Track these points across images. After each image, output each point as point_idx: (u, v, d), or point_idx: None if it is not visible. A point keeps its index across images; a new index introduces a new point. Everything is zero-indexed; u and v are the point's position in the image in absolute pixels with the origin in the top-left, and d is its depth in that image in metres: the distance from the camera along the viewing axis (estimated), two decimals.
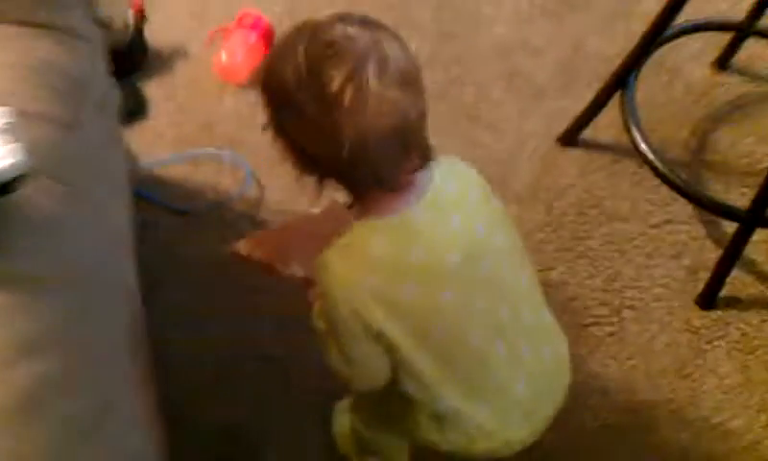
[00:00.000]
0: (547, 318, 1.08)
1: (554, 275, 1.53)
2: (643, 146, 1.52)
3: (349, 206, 0.94)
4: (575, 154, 1.68)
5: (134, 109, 1.62)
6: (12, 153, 0.56)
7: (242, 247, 1.19)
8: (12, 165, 0.55)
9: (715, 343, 1.47)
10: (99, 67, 0.88)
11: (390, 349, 0.92)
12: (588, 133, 1.68)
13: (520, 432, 1.01)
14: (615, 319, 1.49)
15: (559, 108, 1.73)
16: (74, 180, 0.66)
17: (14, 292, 0.55)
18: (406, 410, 0.98)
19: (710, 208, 1.53)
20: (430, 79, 1.73)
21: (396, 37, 0.85)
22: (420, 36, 1.83)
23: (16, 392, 0.50)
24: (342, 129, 0.79)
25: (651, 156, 1.51)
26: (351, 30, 0.82)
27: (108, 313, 0.67)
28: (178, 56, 1.76)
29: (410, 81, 0.84)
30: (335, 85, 0.78)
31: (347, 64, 0.79)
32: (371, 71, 0.80)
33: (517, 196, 1.62)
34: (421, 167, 0.89)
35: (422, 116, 0.87)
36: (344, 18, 0.84)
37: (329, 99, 0.79)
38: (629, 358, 1.45)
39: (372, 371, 0.96)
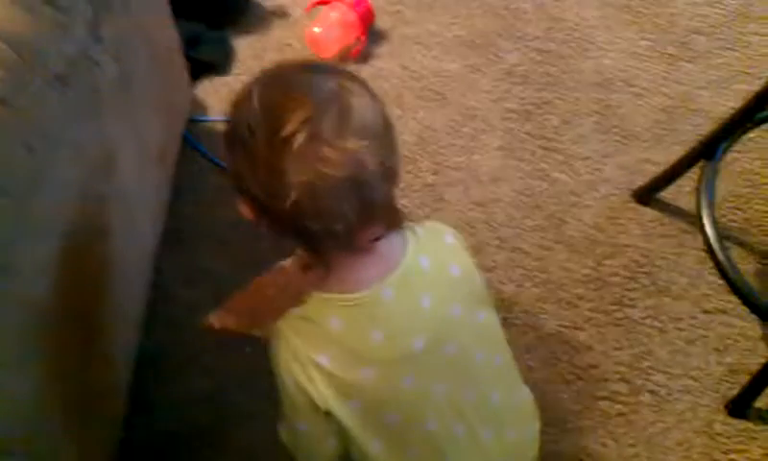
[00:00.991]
0: (521, 397, 1.03)
1: (582, 335, 1.46)
2: (708, 227, 1.41)
3: (305, 268, 0.88)
4: (645, 213, 1.58)
5: (219, 62, 1.66)
6: None
7: (214, 319, 1.16)
8: None
9: (732, 456, 1.37)
10: (67, 32, 0.85)
11: (340, 428, 0.89)
12: (667, 195, 1.58)
13: None
14: (632, 400, 1.40)
15: (644, 159, 1.62)
16: (11, 184, 0.67)
17: None
18: None
19: (765, 317, 1.40)
20: (518, 96, 1.70)
21: (367, 91, 0.81)
22: (520, 51, 1.76)
23: None
24: (288, 175, 0.76)
25: (713, 240, 1.40)
26: (316, 78, 0.80)
27: None
28: (275, 18, 1.78)
29: (374, 135, 0.79)
30: (288, 129, 0.75)
31: (304, 110, 0.76)
32: (328, 119, 0.76)
33: (569, 242, 1.54)
34: (387, 233, 0.85)
35: (389, 175, 0.82)
36: (310, 67, 0.82)
37: (279, 142, 0.76)
38: (632, 445, 1.36)
39: (316, 448, 0.94)
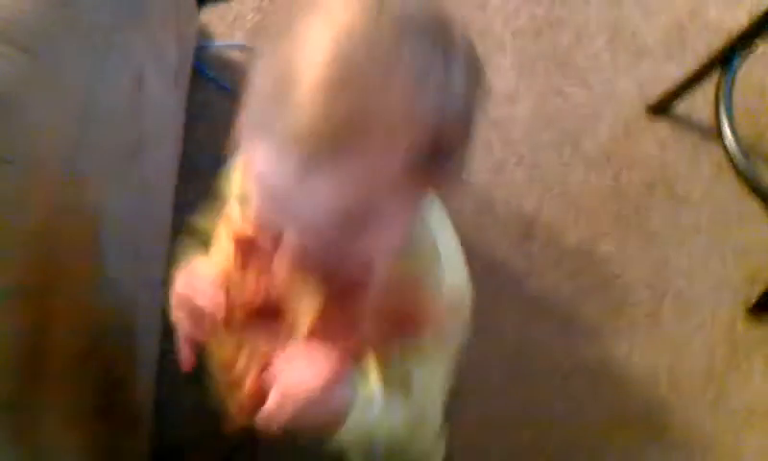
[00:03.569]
0: None
1: (604, 246, 1.47)
2: (728, 134, 1.42)
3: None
4: (662, 125, 1.59)
5: None
6: None
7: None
8: None
9: (754, 357, 1.40)
10: None
11: None
12: (682, 108, 1.58)
13: None
14: (656, 305, 1.43)
15: (658, 73, 1.62)
16: (36, 45, 0.65)
17: None
18: None
19: None
20: (529, 14, 1.69)
21: None
22: None
23: None
24: None
25: (733, 146, 1.41)
26: None
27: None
28: None
29: None
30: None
31: None
32: None
33: (587, 156, 1.55)
34: None
35: None
36: None
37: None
38: (657, 348, 1.39)
39: None
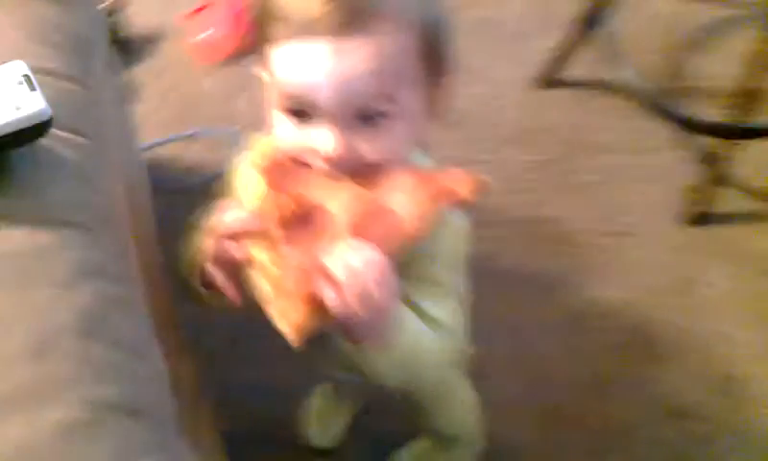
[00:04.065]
0: None
1: (546, 210, 1.57)
2: (619, 70, 1.56)
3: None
4: (556, 95, 1.72)
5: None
6: (33, 101, 0.58)
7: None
8: (36, 112, 0.57)
9: (711, 257, 1.51)
10: (103, 31, 0.90)
11: None
12: (568, 73, 1.72)
13: None
14: (612, 244, 1.53)
15: (535, 50, 1.76)
16: (91, 132, 0.68)
17: (50, 233, 0.58)
18: None
19: (692, 127, 1.57)
20: None
21: None
22: None
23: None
24: None
25: (627, 78, 1.55)
26: None
27: (134, 265, 0.69)
28: (157, 40, 1.78)
29: None
30: None
31: None
32: None
33: (505, 138, 1.65)
34: None
35: None
36: None
37: None
38: (626, 280, 1.48)
39: None
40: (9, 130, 0.57)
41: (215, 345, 1.38)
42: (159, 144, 1.61)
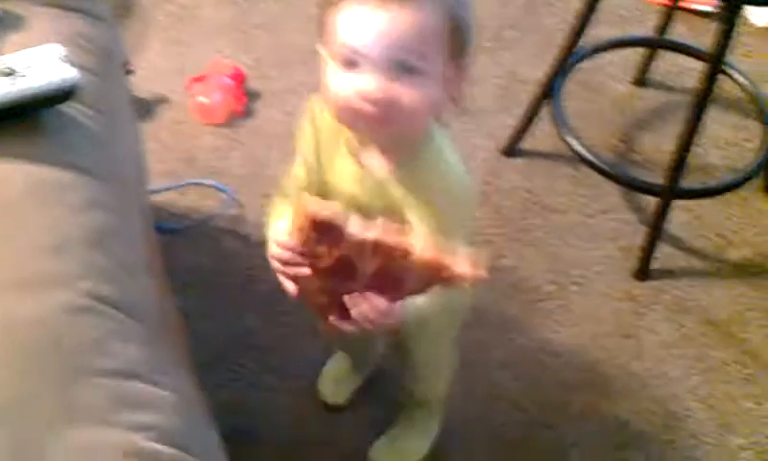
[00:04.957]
0: None
1: (505, 261, 1.72)
2: (571, 140, 1.75)
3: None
4: (517, 162, 1.91)
5: None
6: (66, 70, 0.76)
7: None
8: (68, 77, 0.75)
9: (652, 307, 1.67)
10: (120, 45, 1.09)
11: None
12: (526, 144, 1.92)
13: None
14: (563, 294, 1.68)
15: (500, 124, 1.96)
16: (107, 113, 0.85)
17: (67, 173, 0.74)
18: None
19: (634, 187, 1.76)
20: None
21: None
22: None
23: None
24: None
25: (578, 147, 1.74)
26: None
27: (135, 217, 0.85)
28: (160, 102, 1.98)
29: None
30: None
31: None
32: None
33: None
34: None
35: None
36: None
37: None
38: (576, 325, 1.63)
39: None
40: (48, 88, 0.75)
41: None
42: (155, 192, 1.78)
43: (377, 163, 1.01)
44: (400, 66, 0.89)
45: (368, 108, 0.90)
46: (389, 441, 1.45)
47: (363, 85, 0.89)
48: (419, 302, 0.96)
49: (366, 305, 0.92)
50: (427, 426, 1.46)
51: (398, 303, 0.94)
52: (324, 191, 1.05)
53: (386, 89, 0.89)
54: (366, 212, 0.93)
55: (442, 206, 0.98)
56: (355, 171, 1.02)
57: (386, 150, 1.00)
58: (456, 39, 0.93)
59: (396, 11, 0.87)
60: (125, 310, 0.69)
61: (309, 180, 1.08)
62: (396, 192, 1.00)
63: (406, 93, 0.89)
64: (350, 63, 0.90)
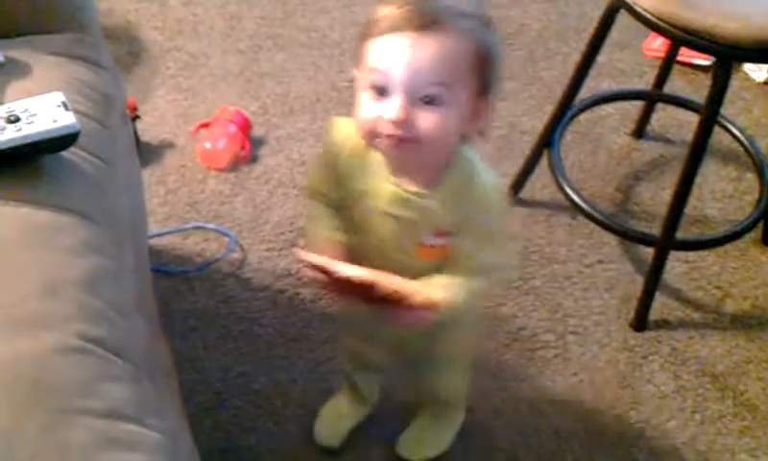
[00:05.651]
0: None
1: (504, 309, 1.73)
2: (570, 191, 1.77)
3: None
4: (517, 211, 1.93)
5: None
6: (66, 117, 0.79)
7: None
8: (68, 125, 0.78)
9: (650, 358, 1.67)
10: (122, 91, 1.12)
11: None
12: (526, 194, 1.94)
13: None
14: (560, 343, 1.69)
15: (500, 174, 1.97)
16: (107, 159, 0.88)
17: (66, 217, 0.76)
18: None
19: (632, 238, 1.77)
20: None
21: None
22: None
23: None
24: None
25: (575, 197, 1.76)
26: None
27: (129, 260, 0.87)
28: (166, 147, 2.01)
29: None
30: None
31: None
32: None
33: None
34: None
35: None
36: None
37: None
38: (574, 374, 1.64)
39: None
40: (47, 136, 0.78)
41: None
42: (160, 235, 1.81)
43: (410, 182, 1.05)
44: (425, 94, 0.93)
45: (390, 130, 0.94)
46: (415, 433, 1.50)
47: (387, 109, 0.93)
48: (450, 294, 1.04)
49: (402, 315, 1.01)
50: (452, 419, 1.51)
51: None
52: (355, 207, 1.10)
53: (407, 113, 0.93)
54: (404, 227, 1.05)
55: (482, 216, 1.05)
56: (390, 190, 1.06)
57: (415, 171, 1.04)
58: (484, 71, 0.97)
59: (424, 41, 0.91)
60: (114, 351, 0.71)
61: (329, 188, 1.13)
62: (434, 207, 1.04)
63: (425, 121, 0.93)
64: (379, 90, 0.94)
